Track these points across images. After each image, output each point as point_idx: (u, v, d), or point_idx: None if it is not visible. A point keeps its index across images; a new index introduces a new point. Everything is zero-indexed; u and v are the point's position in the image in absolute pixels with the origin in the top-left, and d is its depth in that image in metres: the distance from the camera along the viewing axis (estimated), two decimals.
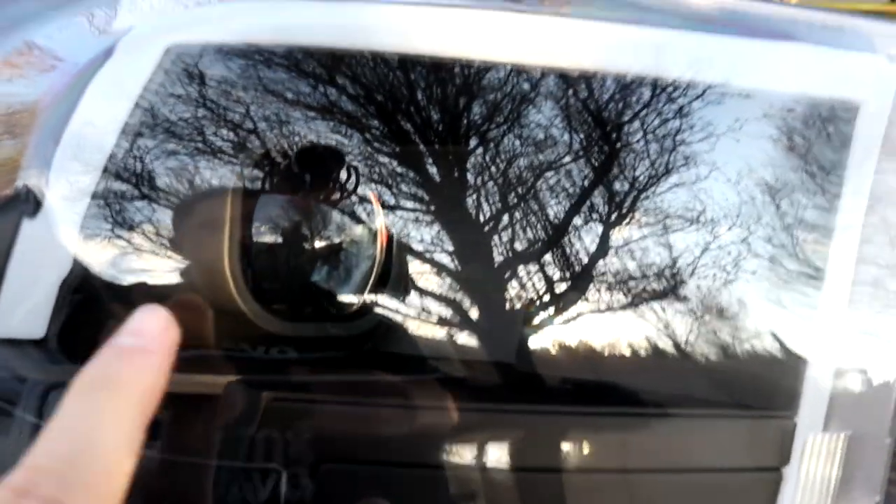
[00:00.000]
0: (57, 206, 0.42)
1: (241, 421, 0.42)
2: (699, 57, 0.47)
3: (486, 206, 0.47)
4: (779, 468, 0.47)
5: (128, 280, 0.43)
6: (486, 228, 0.47)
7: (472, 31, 0.45)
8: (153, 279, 0.44)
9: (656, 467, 0.47)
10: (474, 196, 0.47)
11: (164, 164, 0.43)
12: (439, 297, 0.46)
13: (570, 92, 0.46)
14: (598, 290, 0.46)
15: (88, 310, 0.43)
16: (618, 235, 0.46)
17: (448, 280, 0.47)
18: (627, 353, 0.47)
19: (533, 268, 0.47)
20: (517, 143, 0.47)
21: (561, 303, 0.46)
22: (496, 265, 0.46)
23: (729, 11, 0.49)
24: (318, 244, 0.46)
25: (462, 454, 0.46)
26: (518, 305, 0.47)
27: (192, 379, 0.43)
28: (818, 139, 0.49)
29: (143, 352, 0.32)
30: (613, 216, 0.47)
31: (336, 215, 0.46)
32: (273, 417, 0.42)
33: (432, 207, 0.46)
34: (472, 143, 0.46)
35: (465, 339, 0.46)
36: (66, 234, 0.42)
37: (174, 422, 0.39)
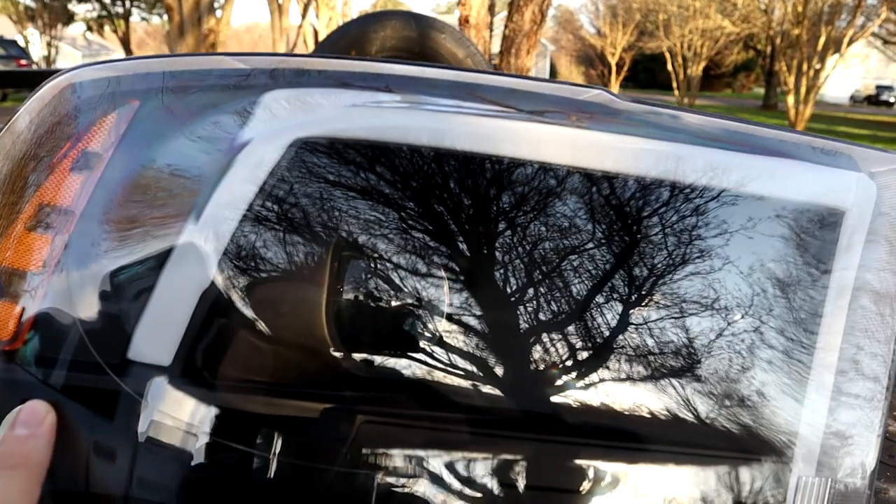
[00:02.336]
0: (198, 257, 0.52)
1: (342, 435, 0.52)
2: (714, 167, 0.57)
3: (532, 283, 0.57)
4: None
5: (245, 324, 0.53)
6: (530, 301, 0.57)
7: (524, 136, 0.55)
8: (266, 325, 0.54)
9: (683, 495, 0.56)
10: (525, 273, 0.56)
11: (281, 233, 0.54)
12: (474, 356, 0.56)
13: (594, 188, 0.57)
14: (645, 361, 0.56)
15: (211, 344, 0.54)
16: (640, 315, 0.56)
17: (487, 339, 0.56)
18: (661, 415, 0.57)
19: (560, 336, 0.56)
20: (547, 229, 0.57)
21: (588, 367, 0.56)
22: (535, 327, 0.56)
23: (732, 132, 0.59)
24: (394, 303, 0.56)
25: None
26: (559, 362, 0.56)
27: (296, 404, 0.53)
28: (813, 237, 0.59)
29: (33, 437, 0.49)
30: (634, 297, 0.57)
31: (409, 280, 0.57)
32: (364, 433, 0.52)
33: (488, 282, 0.56)
34: (521, 227, 0.57)
35: (495, 385, 0.56)
36: (201, 280, 0.53)
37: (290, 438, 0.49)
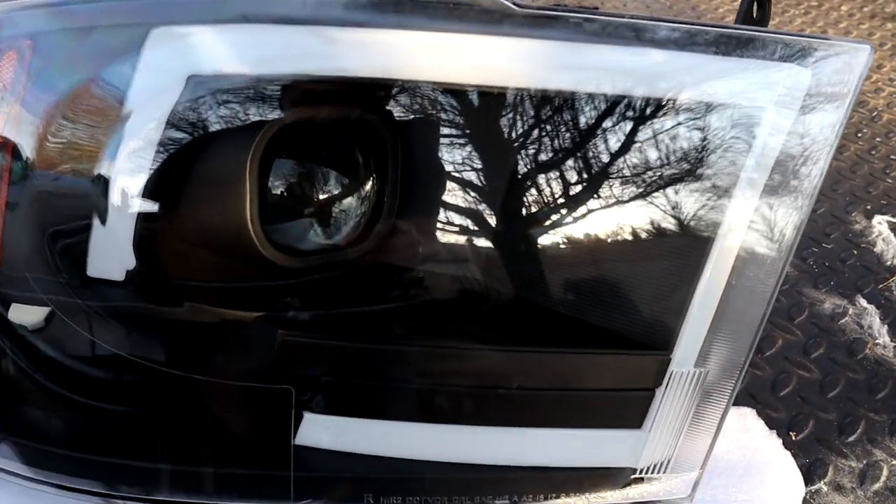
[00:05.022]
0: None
1: (261, 353, 0.58)
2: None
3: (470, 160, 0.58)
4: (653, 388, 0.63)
5: (170, 223, 0.57)
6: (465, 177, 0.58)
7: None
8: (192, 223, 0.57)
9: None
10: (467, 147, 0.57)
11: (206, 139, 0.56)
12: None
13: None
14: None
15: (149, 251, 0.57)
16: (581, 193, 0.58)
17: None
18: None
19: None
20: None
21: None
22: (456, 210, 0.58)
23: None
24: (321, 196, 0.59)
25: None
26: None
27: (223, 312, 0.58)
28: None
29: None
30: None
31: (333, 172, 0.59)
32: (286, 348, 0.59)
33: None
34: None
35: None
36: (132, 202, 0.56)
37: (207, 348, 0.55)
